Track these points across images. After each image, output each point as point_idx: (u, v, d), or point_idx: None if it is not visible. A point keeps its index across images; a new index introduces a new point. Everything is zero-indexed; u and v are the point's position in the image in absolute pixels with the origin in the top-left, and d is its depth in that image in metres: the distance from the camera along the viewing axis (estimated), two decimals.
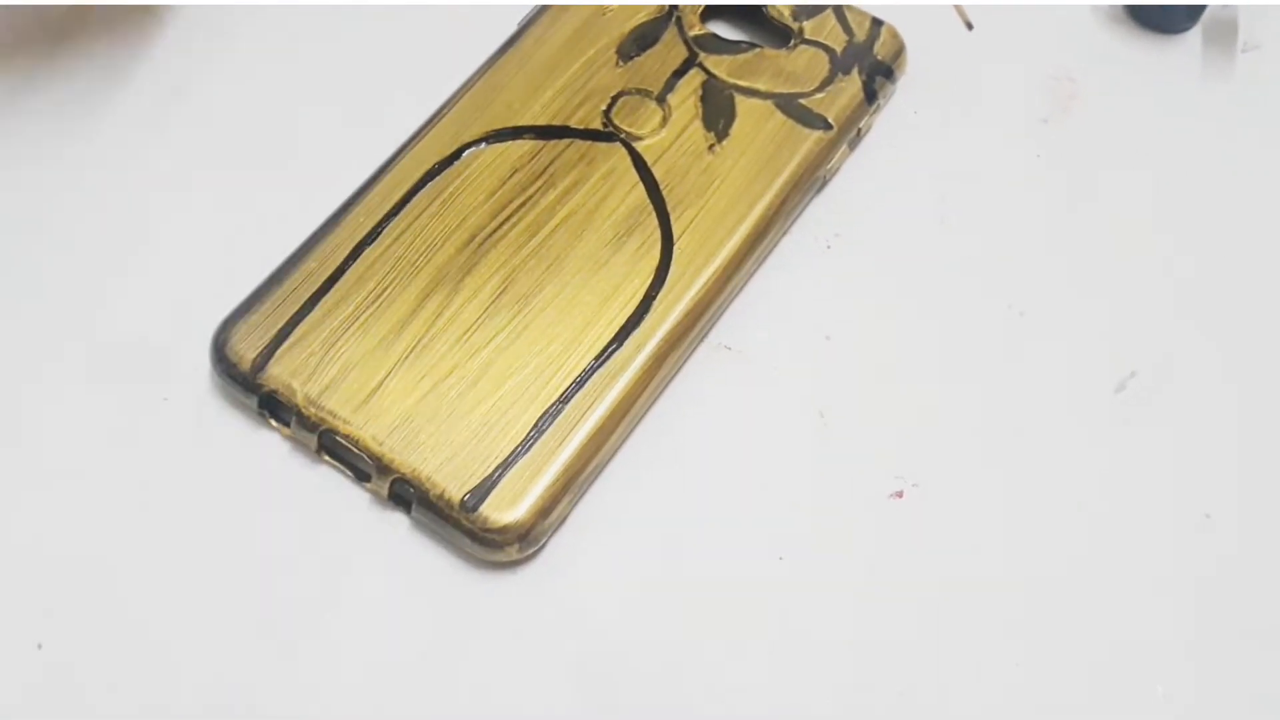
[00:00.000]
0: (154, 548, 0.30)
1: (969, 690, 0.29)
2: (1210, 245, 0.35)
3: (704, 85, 0.36)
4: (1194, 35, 0.39)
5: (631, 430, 0.31)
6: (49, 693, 0.28)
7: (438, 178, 0.34)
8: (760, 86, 0.36)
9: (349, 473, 0.31)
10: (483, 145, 0.35)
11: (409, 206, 0.34)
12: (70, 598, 0.29)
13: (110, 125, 0.36)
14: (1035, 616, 0.29)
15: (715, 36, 0.37)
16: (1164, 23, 0.39)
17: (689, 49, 0.37)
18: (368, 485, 0.30)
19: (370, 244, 0.33)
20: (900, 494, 0.31)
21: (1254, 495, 0.31)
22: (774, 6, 0.37)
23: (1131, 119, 0.37)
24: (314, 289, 0.32)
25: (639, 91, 0.36)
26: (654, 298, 0.32)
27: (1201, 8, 0.39)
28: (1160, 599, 0.30)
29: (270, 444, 0.31)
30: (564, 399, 0.31)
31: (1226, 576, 0.30)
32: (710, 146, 0.35)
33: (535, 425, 0.30)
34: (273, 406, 0.31)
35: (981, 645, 0.29)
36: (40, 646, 0.28)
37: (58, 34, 0.37)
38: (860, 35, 0.37)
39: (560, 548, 0.30)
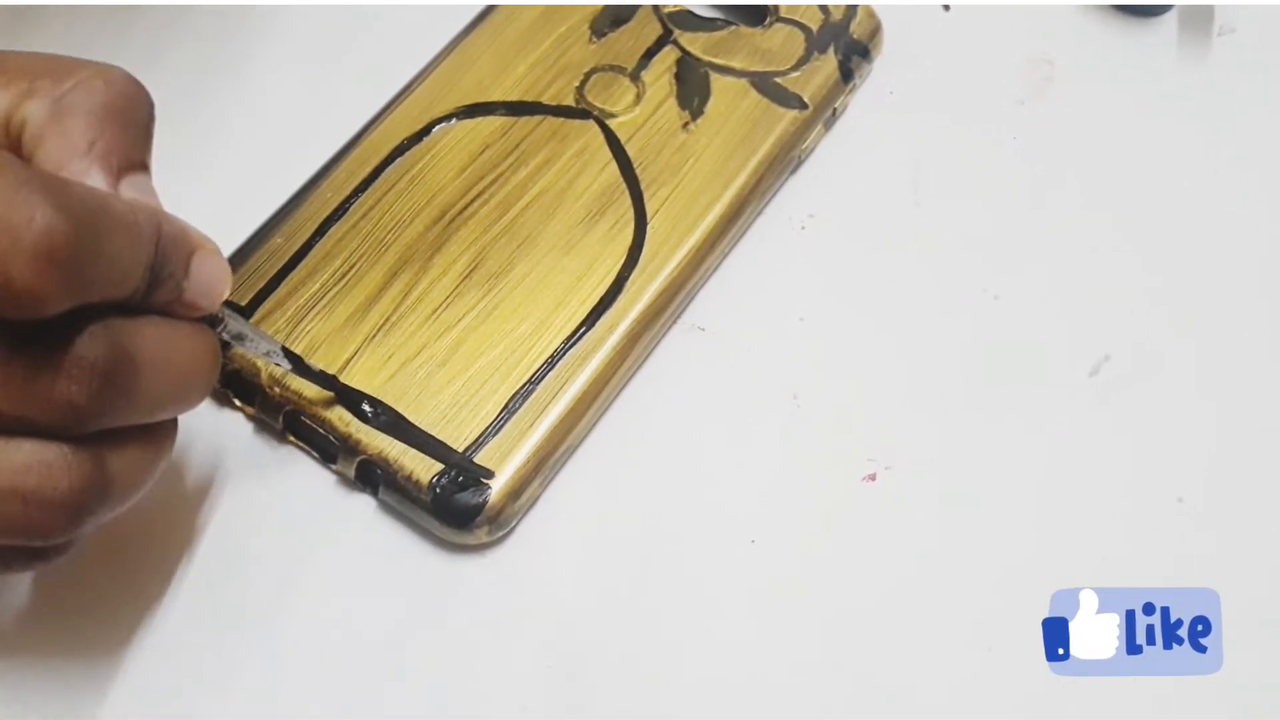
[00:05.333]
0: (114, 529, 0.29)
1: (940, 671, 0.29)
2: (1185, 228, 0.35)
3: (678, 63, 0.35)
4: (1170, 19, 0.39)
5: (603, 412, 0.31)
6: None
7: (407, 153, 0.33)
8: (735, 65, 0.35)
9: (315, 454, 0.30)
10: (453, 121, 0.34)
11: (377, 182, 0.33)
12: (30, 577, 0.28)
13: None
14: (1007, 599, 0.29)
15: (690, 13, 0.37)
16: (1140, 6, 0.39)
17: (664, 26, 0.36)
18: (334, 466, 0.30)
19: (337, 220, 0.32)
20: (873, 476, 0.31)
21: (1226, 479, 0.31)
22: None
23: (1107, 101, 0.37)
24: (279, 265, 0.32)
25: (613, 68, 0.35)
26: (627, 278, 0.32)
27: None
28: (1132, 581, 0.30)
29: (235, 423, 0.31)
30: (535, 380, 0.30)
31: (1197, 560, 0.30)
32: (684, 125, 0.34)
33: (505, 406, 0.30)
34: (237, 386, 0.30)
35: (954, 627, 0.29)
36: None
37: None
38: (837, 14, 0.37)
39: (530, 530, 0.30)
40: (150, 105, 0.25)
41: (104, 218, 0.22)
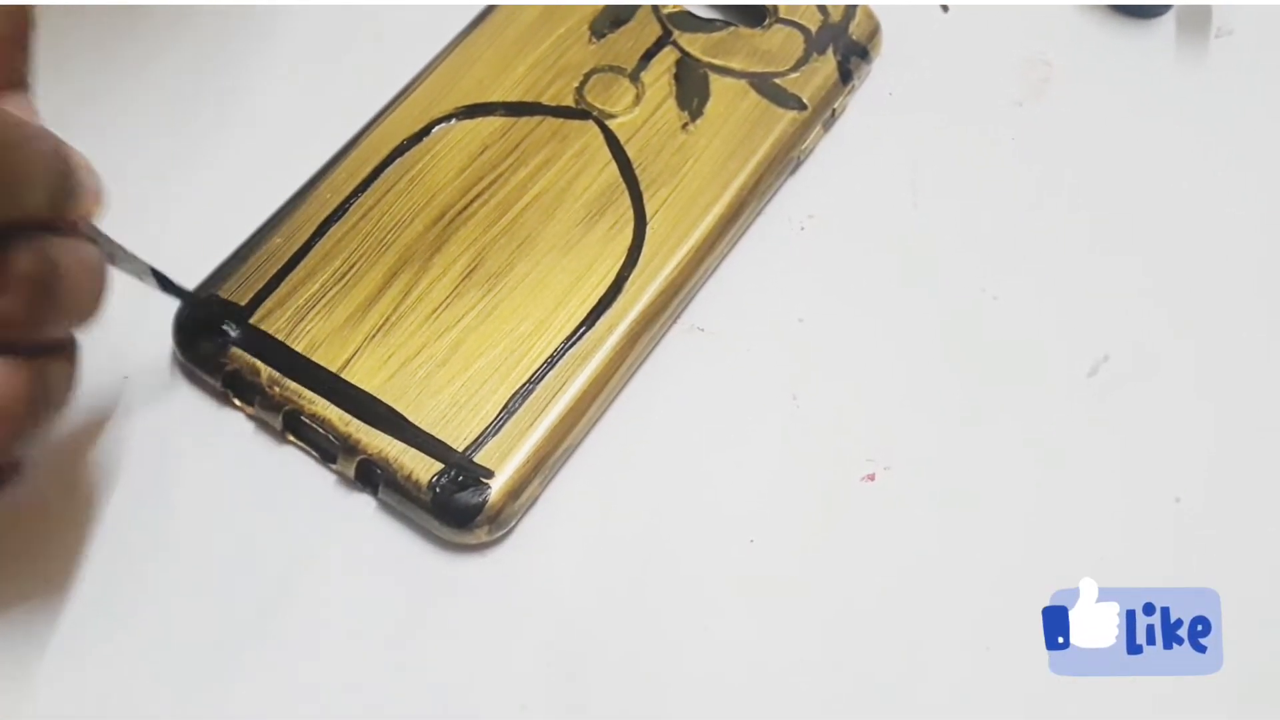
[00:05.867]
0: (114, 529, 0.29)
1: (939, 670, 0.29)
2: (1183, 229, 0.35)
3: (678, 63, 0.36)
4: (1168, 20, 0.39)
5: (603, 412, 0.31)
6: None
7: (406, 153, 0.34)
8: (735, 65, 0.36)
9: (315, 453, 0.30)
10: (453, 121, 0.34)
11: (377, 182, 0.33)
12: (29, 576, 0.28)
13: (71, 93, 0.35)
14: (1005, 598, 0.29)
15: (690, 14, 0.37)
16: (1138, 7, 0.39)
17: (663, 26, 0.36)
18: (334, 466, 0.30)
19: (337, 220, 0.32)
20: (872, 477, 0.31)
21: (1224, 479, 0.31)
22: None
23: (1105, 103, 0.37)
24: (279, 266, 0.32)
25: (612, 69, 0.35)
26: (626, 278, 0.32)
27: None
28: (1130, 581, 0.30)
29: (234, 423, 0.31)
30: (535, 380, 0.30)
31: (1195, 560, 0.30)
32: (684, 125, 0.34)
33: (505, 406, 0.30)
34: (237, 385, 0.30)
35: (952, 627, 0.29)
36: None
37: None
38: (835, 15, 0.37)
39: (530, 530, 0.30)
40: (27, 18, 0.26)
41: (16, 133, 0.22)
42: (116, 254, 0.27)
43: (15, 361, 0.23)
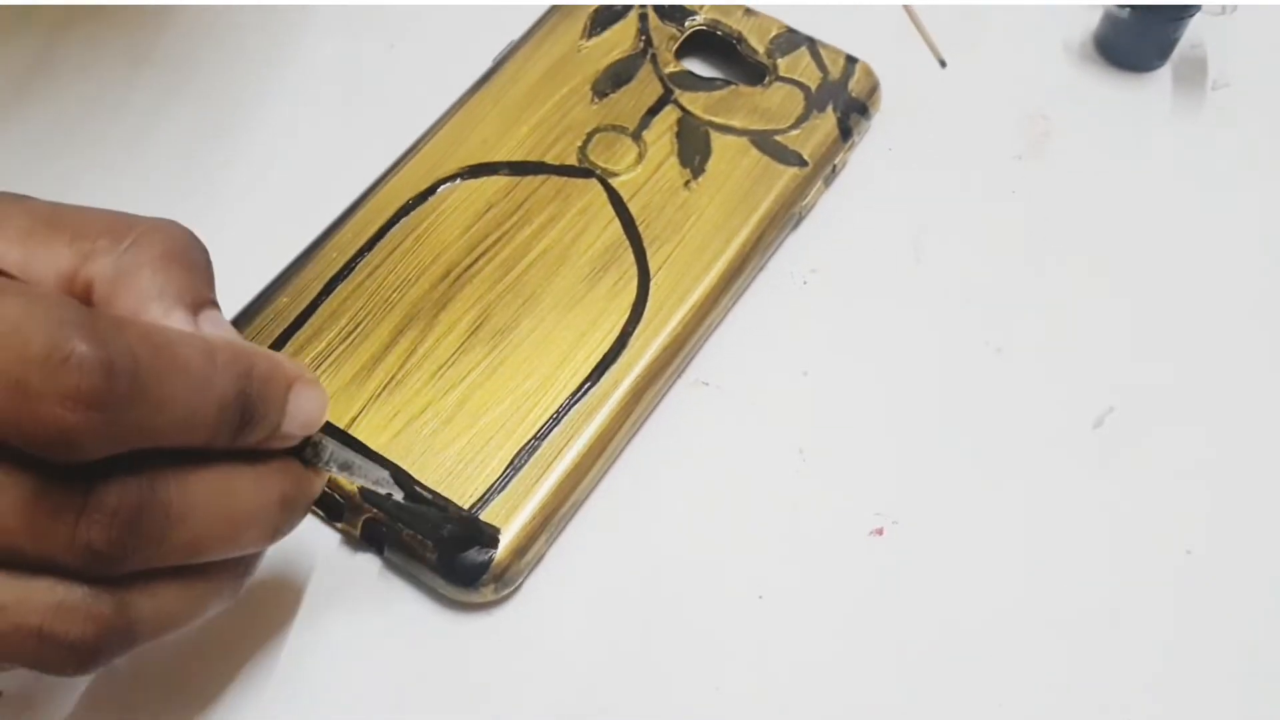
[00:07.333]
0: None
1: None
2: (1184, 280, 0.35)
3: (679, 122, 0.36)
4: (1164, 73, 0.39)
5: (608, 467, 0.31)
6: None
7: (412, 213, 0.34)
8: (735, 123, 0.36)
9: (320, 511, 0.30)
10: (457, 181, 0.35)
11: (383, 242, 0.33)
12: None
13: (76, 150, 0.35)
14: (1015, 655, 0.29)
15: (690, 74, 0.37)
16: (1135, 61, 0.39)
17: (664, 86, 0.37)
18: (339, 525, 0.30)
19: (343, 279, 0.33)
20: (880, 531, 0.31)
21: (1233, 531, 0.31)
22: (748, 43, 0.38)
23: (1105, 156, 0.38)
24: (286, 325, 0.32)
25: (614, 128, 0.36)
26: (630, 333, 0.32)
27: (1171, 46, 0.39)
28: (1142, 635, 0.29)
29: None
30: (540, 436, 0.30)
31: (1207, 613, 0.30)
32: (686, 183, 0.35)
33: (511, 463, 0.30)
34: None
35: (962, 684, 0.29)
36: None
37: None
38: (835, 72, 0.37)
39: (536, 587, 0.30)
40: (205, 249, 0.25)
41: (162, 361, 0.21)
42: (353, 462, 0.26)
43: (95, 594, 0.21)
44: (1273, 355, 0.34)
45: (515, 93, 0.36)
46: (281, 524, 0.24)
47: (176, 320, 0.23)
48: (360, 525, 0.29)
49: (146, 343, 0.21)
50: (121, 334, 0.20)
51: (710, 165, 0.35)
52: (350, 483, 0.29)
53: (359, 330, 0.32)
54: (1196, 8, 0.38)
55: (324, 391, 0.25)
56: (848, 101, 0.37)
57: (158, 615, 0.23)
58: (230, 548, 0.23)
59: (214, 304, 0.25)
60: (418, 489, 0.29)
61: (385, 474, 0.27)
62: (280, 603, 0.29)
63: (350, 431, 0.30)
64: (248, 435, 0.23)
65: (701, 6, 0.38)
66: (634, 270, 0.33)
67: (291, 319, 0.32)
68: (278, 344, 0.31)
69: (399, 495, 0.28)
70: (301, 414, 0.24)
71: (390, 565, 0.30)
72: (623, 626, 0.29)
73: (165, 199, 0.35)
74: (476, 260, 0.33)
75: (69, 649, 0.21)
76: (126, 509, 0.21)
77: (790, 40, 0.38)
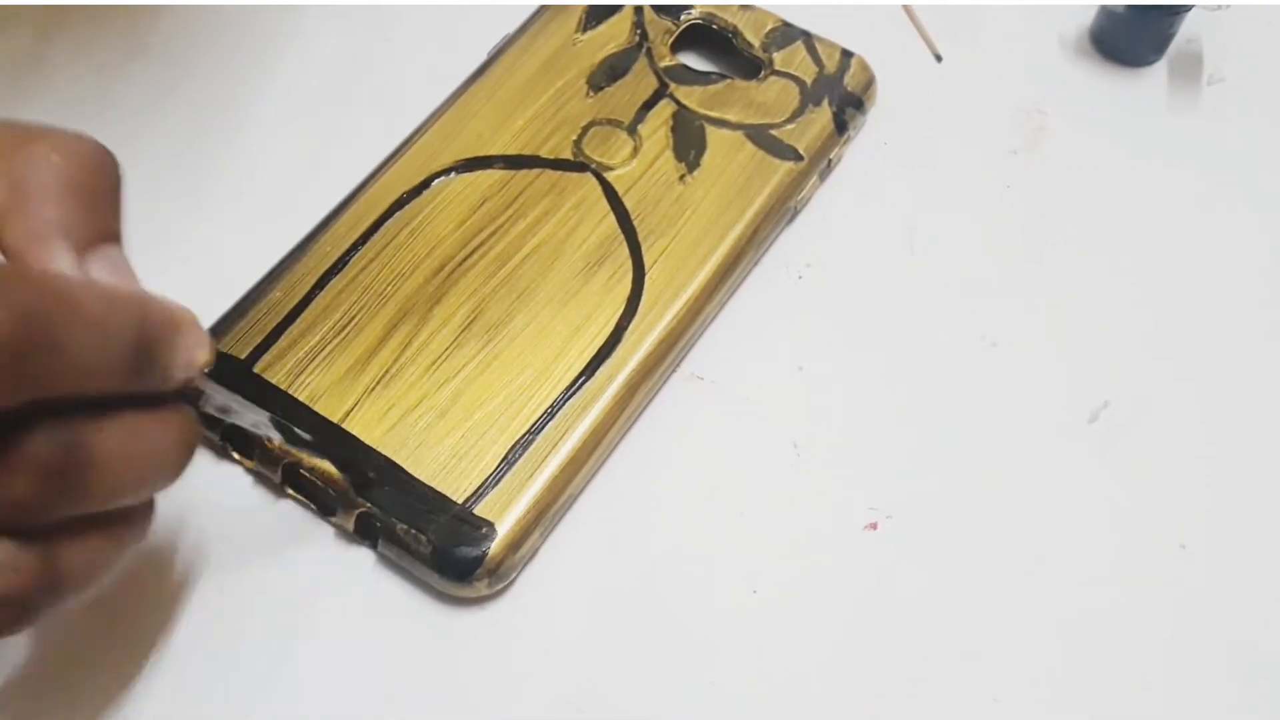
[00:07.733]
0: (109, 583, 0.29)
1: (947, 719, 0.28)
2: (1180, 273, 0.35)
3: (675, 116, 0.36)
4: (1160, 68, 0.39)
5: (603, 462, 0.31)
6: None
7: (406, 207, 0.34)
8: (731, 117, 0.36)
9: (314, 506, 0.30)
10: (452, 175, 0.34)
11: (377, 235, 0.33)
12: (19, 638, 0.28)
13: None
14: (1009, 649, 0.29)
15: (686, 68, 0.37)
16: (1131, 56, 0.39)
17: (659, 80, 0.37)
18: (333, 519, 0.30)
19: (337, 273, 0.33)
20: (875, 525, 0.31)
21: (1228, 526, 0.31)
22: (744, 37, 0.37)
23: (1099, 151, 0.38)
24: (279, 319, 0.32)
25: (610, 122, 0.36)
26: (625, 328, 0.32)
27: (1167, 41, 0.39)
28: (1136, 630, 0.29)
29: (233, 477, 0.30)
30: (535, 430, 0.30)
31: (1202, 609, 0.30)
32: (681, 177, 0.35)
33: (505, 457, 0.30)
34: (236, 439, 0.30)
35: (957, 679, 0.29)
36: None
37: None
38: (830, 67, 0.37)
39: (531, 582, 0.30)
40: (116, 170, 0.24)
41: (61, 311, 0.20)
42: (231, 406, 0.26)
43: (21, 547, 0.21)
44: (1268, 349, 0.34)
45: (510, 86, 0.36)
46: (184, 462, 0.24)
47: (64, 263, 0.23)
48: (354, 519, 0.29)
49: (46, 292, 0.20)
50: (20, 287, 0.20)
51: (705, 159, 0.35)
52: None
53: (353, 324, 0.32)
54: (1191, 4, 0.38)
55: (205, 332, 0.24)
56: (843, 96, 0.37)
57: (84, 563, 0.23)
58: (144, 490, 0.24)
59: (113, 238, 0.24)
60: (297, 431, 0.29)
61: (264, 417, 0.28)
62: (274, 597, 0.29)
63: (344, 425, 0.30)
64: (146, 379, 0.23)
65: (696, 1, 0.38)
66: (629, 264, 0.33)
67: (285, 313, 0.32)
68: (271, 337, 0.31)
69: (278, 438, 0.28)
70: (187, 354, 0.24)
71: (384, 559, 0.29)
72: (617, 621, 0.29)
73: (159, 193, 0.35)
74: (471, 254, 0.33)
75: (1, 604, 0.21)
76: (47, 458, 0.21)
77: (786, 34, 0.38)
